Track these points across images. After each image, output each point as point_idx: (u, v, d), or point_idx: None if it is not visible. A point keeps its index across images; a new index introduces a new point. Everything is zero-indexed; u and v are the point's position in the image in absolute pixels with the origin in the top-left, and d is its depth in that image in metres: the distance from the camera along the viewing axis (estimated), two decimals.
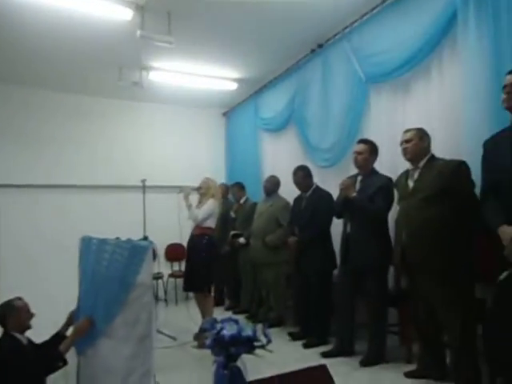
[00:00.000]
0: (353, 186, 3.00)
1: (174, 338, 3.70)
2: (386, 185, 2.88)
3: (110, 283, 2.25)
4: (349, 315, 3.11)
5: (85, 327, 2.27)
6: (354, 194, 2.94)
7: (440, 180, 2.36)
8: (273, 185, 4.29)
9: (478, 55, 2.47)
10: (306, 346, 3.39)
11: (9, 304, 2.18)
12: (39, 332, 2.27)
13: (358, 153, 3.06)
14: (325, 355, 3.10)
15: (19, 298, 2.24)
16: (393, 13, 3.20)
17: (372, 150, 3.07)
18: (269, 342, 1.85)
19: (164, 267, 5.57)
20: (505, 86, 1.94)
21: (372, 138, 3.20)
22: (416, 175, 2.54)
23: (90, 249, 2.42)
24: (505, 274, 1.17)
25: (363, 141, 3.13)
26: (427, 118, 2.90)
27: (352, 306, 3.11)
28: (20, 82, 5.07)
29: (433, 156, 2.54)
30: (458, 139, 2.64)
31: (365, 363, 2.90)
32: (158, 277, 5.28)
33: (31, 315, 2.24)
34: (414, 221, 2.45)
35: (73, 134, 5.49)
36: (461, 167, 2.35)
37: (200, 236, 3.60)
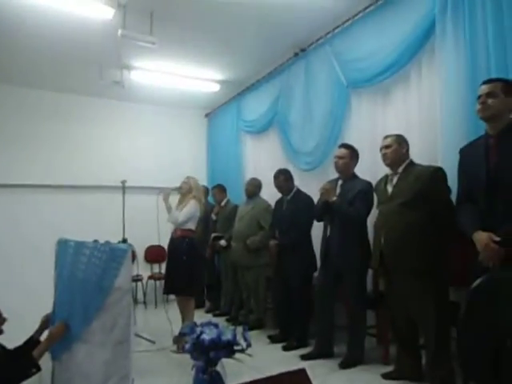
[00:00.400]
0: (333, 190, 3.02)
1: (152, 342, 3.65)
2: (366, 189, 2.93)
3: (87, 287, 2.21)
4: (328, 317, 3.14)
5: (60, 332, 2.21)
6: (334, 199, 2.97)
7: (417, 185, 2.41)
8: (254, 187, 4.28)
9: (455, 64, 2.55)
10: (285, 348, 3.40)
11: None
12: (11, 337, 2.20)
13: (339, 157, 3.09)
14: (304, 358, 3.12)
15: None
16: (374, 20, 3.26)
17: (353, 154, 3.11)
18: (248, 345, 1.85)
19: (143, 269, 5.50)
20: (479, 96, 1.99)
21: (352, 142, 3.25)
22: (395, 180, 2.59)
23: (67, 252, 2.37)
24: (478, 281, 1.20)
25: (344, 145, 3.16)
26: (406, 124, 2.98)
27: (332, 309, 3.13)
28: None
29: (411, 162, 2.60)
30: (435, 145, 2.71)
31: (344, 365, 2.92)
32: (137, 279, 5.21)
33: (3, 320, 2.17)
34: (392, 225, 2.49)
35: (50, 133, 5.36)
36: (437, 173, 2.41)
37: (181, 239, 3.54)
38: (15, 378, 2.03)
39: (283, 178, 3.72)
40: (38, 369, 2.10)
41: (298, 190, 3.72)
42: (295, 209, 3.57)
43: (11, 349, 2.22)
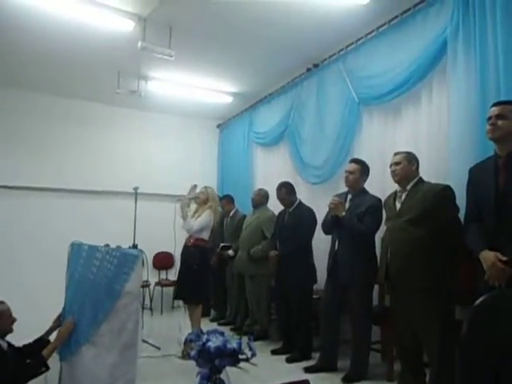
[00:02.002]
0: (342, 205, 3.04)
1: (157, 348, 3.68)
2: (376, 205, 2.94)
3: (98, 290, 2.26)
4: (334, 331, 3.14)
5: (68, 330, 2.27)
6: (344, 214, 2.98)
7: (425, 203, 2.43)
8: (261, 197, 4.33)
9: (465, 86, 2.59)
10: (288, 360, 3.40)
11: None
12: (19, 336, 2.25)
13: (350, 172, 3.11)
14: (307, 370, 3.12)
15: (2, 302, 2.22)
16: (387, 39, 3.32)
17: (363, 170, 3.13)
18: (253, 355, 1.87)
19: (151, 275, 5.53)
20: (489, 118, 2.02)
21: (362, 158, 3.27)
22: (403, 197, 2.60)
23: (80, 255, 2.43)
24: (481, 299, 1.21)
25: (355, 160, 3.19)
26: (415, 142, 3.01)
27: (337, 323, 3.14)
28: (8, 84, 5.07)
29: (421, 179, 2.61)
30: (444, 164, 2.74)
31: (347, 380, 2.91)
32: (144, 285, 5.25)
33: (13, 320, 2.22)
34: (398, 241, 2.51)
35: (65, 138, 5.49)
36: (445, 191, 2.43)
37: (193, 247, 3.63)
38: (24, 375, 2.09)
39: (285, 191, 3.77)
40: (47, 368, 2.15)
41: (300, 203, 3.76)
42: (296, 221, 3.61)
43: (19, 346, 2.28)
